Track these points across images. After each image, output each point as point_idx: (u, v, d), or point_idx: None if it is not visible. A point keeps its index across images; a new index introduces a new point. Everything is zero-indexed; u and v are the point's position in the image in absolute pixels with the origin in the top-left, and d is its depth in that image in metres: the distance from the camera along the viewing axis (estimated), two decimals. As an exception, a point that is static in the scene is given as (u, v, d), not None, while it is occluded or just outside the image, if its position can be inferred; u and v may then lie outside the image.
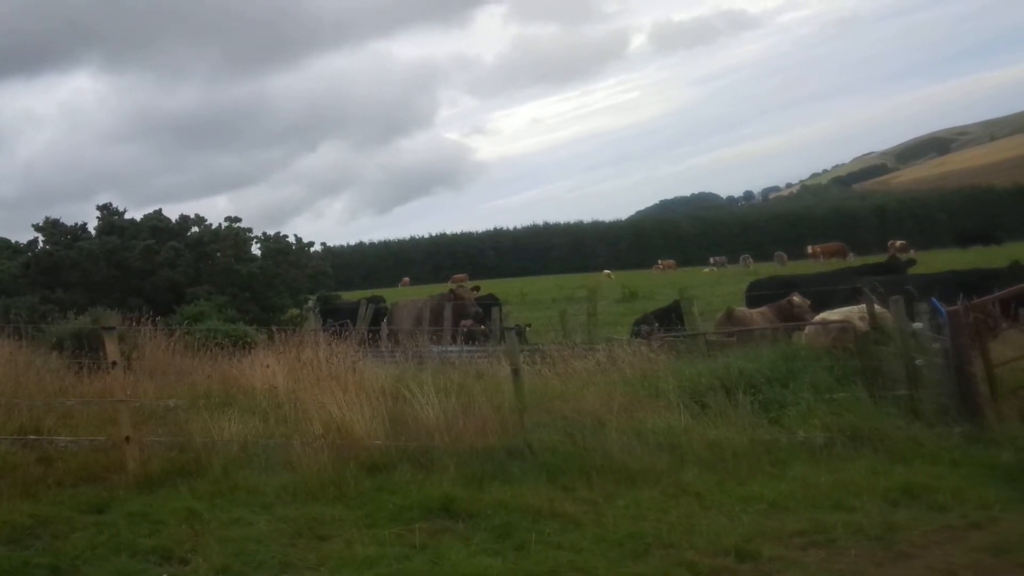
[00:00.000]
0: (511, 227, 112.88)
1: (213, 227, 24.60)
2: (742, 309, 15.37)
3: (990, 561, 4.98)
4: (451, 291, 19.57)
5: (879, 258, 32.22)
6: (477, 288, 20.72)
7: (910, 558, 5.10)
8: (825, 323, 11.51)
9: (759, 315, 14.30)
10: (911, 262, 24.43)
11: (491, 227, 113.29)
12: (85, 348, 10.94)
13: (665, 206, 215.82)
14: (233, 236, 24.14)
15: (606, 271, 64.19)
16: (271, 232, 25.67)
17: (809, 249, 61.09)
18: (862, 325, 10.64)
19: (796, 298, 14.07)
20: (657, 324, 15.66)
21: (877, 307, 10.42)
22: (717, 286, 35.90)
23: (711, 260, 67.84)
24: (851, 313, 11.36)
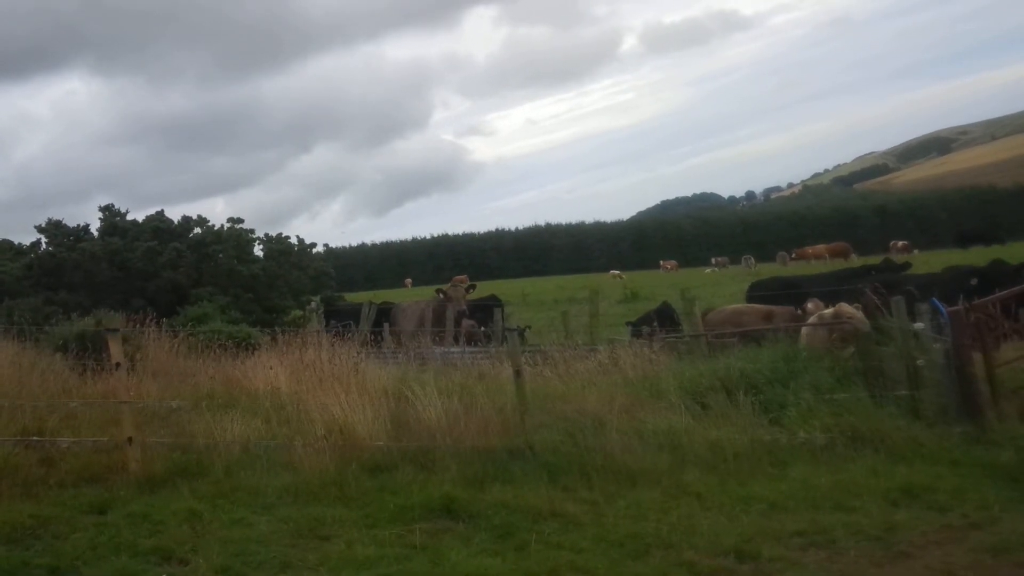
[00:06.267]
0: (512, 228, 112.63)
1: (215, 228, 24.64)
2: (735, 307, 15.35)
3: (990, 561, 4.98)
4: (438, 290, 19.02)
5: (877, 259, 32.24)
6: (473, 287, 20.36)
7: (910, 558, 5.11)
8: (821, 322, 11.51)
9: (751, 309, 14.22)
10: (907, 264, 24.67)
11: (492, 228, 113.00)
12: (89, 350, 10.97)
13: (666, 206, 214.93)
14: (235, 237, 24.18)
15: (613, 271, 63.56)
16: (272, 233, 25.76)
17: (792, 254, 58.53)
18: (855, 311, 10.66)
19: (810, 305, 13.55)
20: (657, 324, 15.70)
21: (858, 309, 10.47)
22: (719, 287, 35.90)
23: (713, 260, 67.55)
24: (843, 306, 11.36)
